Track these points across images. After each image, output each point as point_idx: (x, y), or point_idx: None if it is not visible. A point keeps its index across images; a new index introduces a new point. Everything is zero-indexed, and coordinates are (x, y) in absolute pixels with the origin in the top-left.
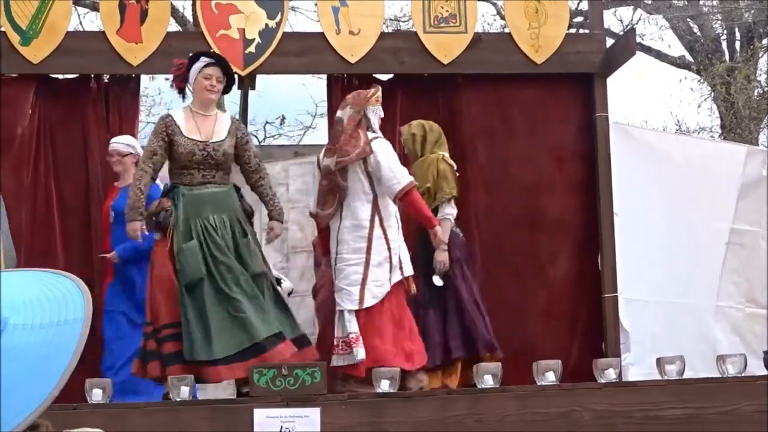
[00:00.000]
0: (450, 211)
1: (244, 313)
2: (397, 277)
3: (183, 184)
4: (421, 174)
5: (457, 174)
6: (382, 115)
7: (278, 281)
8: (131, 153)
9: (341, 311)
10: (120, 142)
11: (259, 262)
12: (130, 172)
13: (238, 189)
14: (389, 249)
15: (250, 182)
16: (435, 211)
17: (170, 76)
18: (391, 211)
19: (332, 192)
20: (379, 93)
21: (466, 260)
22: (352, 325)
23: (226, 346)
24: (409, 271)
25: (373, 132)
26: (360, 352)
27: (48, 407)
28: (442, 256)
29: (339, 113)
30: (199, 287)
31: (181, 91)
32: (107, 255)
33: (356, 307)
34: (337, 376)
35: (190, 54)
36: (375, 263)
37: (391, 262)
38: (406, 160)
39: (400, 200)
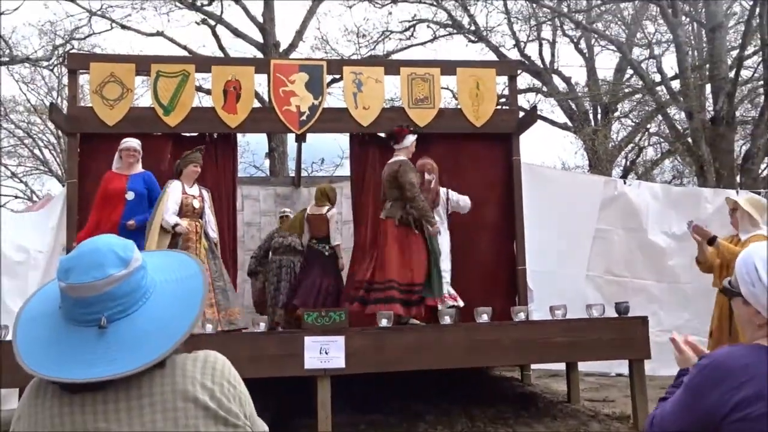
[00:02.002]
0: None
1: None
2: None
3: None
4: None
5: None
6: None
7: None
8: (139, 151)
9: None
10: (137, 142)
11: None
12: (137, 164)
13: None
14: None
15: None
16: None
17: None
18: None
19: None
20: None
21: None
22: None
23: None
24: None
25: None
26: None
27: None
28: None
29: (427, 176)
30: None
31: (398, 141)
32: (131, 222)
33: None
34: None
35: (412, 127)
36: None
37: None
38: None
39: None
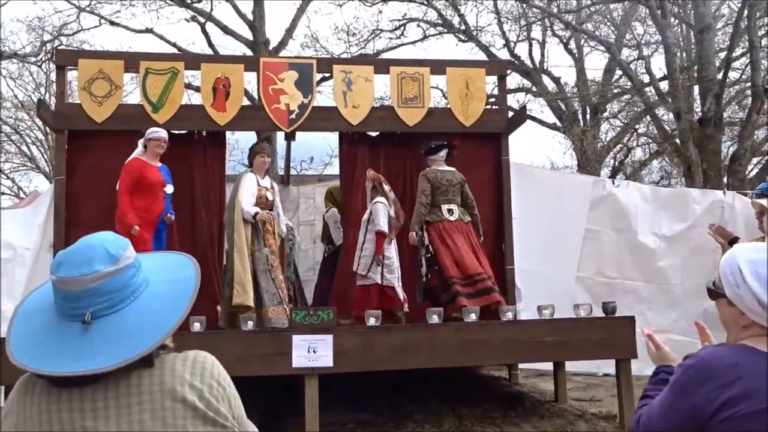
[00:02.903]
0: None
1: None
2: None
3: None
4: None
5: None
6: None
7: None
8: (167, 141)
9: None
10: (166, 132)
11: None
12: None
13: None
14: None
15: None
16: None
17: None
18: None
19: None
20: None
21: None
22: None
23: None
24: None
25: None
26: None
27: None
28: None
29: (386, 186)
30: None
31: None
32: (171, 216)
33: None
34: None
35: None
36: None
37: None
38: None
39: None
